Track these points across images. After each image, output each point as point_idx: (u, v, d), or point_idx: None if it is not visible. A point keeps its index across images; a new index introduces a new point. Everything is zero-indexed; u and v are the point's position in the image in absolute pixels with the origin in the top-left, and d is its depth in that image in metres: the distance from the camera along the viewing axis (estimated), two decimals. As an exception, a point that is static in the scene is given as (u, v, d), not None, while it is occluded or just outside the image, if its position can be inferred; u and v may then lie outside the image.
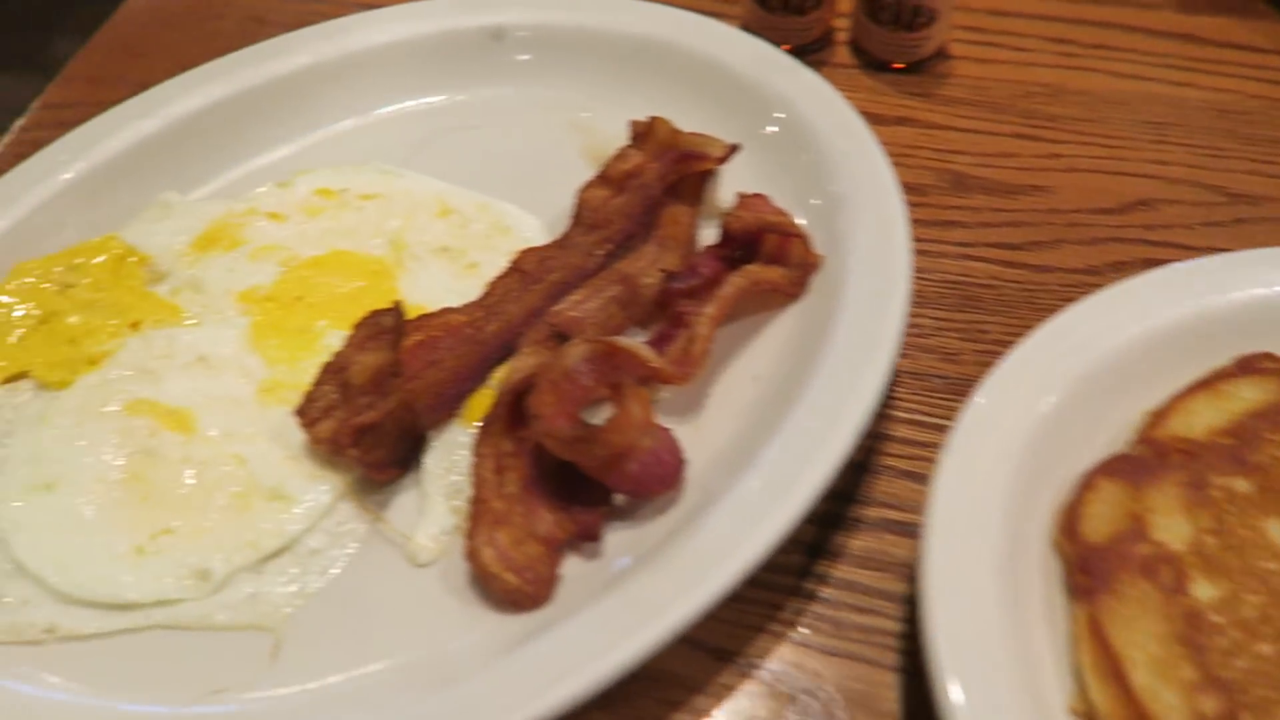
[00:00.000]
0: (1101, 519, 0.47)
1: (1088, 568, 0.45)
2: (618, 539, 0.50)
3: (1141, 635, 0.43)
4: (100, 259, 0.62)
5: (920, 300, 0.64)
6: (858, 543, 0.53)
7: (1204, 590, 0.44)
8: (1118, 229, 0.68)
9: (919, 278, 0.65)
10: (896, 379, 0.60)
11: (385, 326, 0.52)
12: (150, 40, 0.88)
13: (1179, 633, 0.43)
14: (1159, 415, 0.51)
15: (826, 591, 0.51)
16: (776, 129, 0.67)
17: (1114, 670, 0.42)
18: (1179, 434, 0.50)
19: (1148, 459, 0.49)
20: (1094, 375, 0.52)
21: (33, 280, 0.61)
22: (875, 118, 0.76)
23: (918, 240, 0.66)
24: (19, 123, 0.81)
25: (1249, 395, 0.51)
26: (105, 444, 0.54)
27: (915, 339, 0.62)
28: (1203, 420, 0.50)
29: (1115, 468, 0.49)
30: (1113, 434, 0.51)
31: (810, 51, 0.82)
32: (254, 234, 0.64)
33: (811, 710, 0.47)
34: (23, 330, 0.60)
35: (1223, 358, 0.53)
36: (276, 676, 0.46)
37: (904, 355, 0.61)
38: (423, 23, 0.75)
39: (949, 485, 0.47)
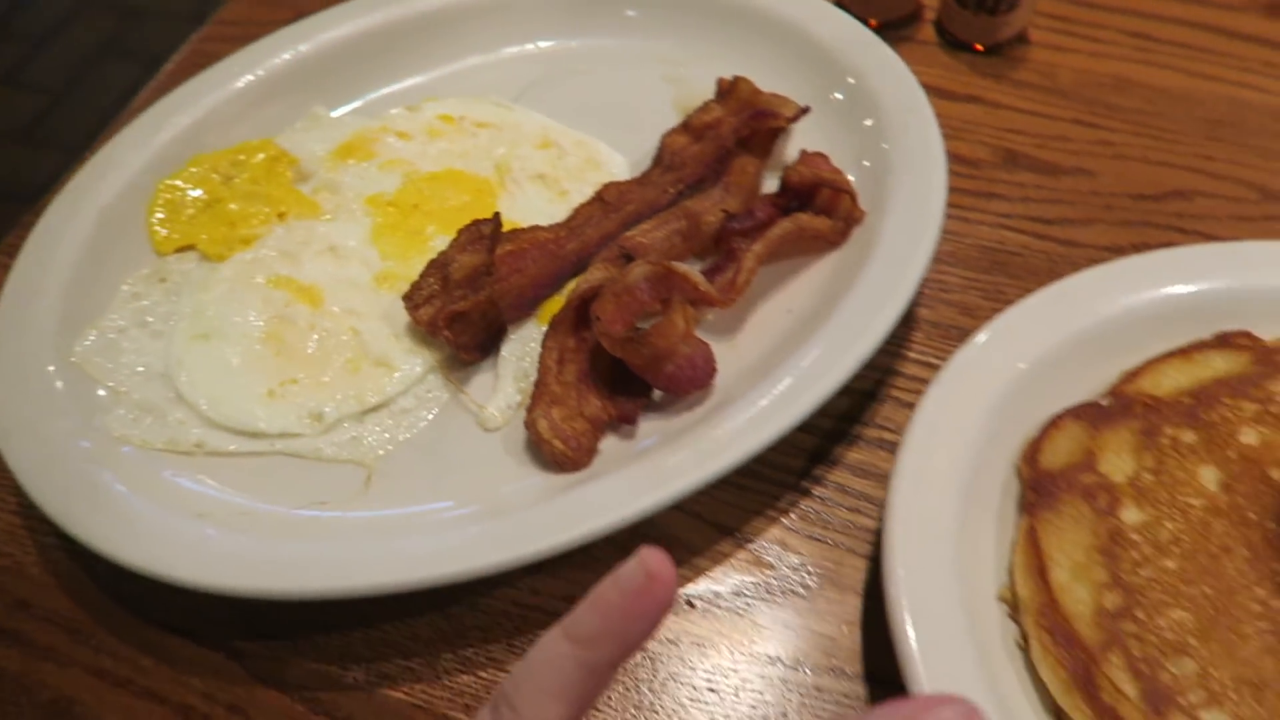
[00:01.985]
0: (1059, 451, 0.55)
1: (1037, 487, 0.53)
2: (650, 425, 0.60)
3: (1069, 544, 0.51)
4: (259, 157, 0.75)
5: (952, 260, 0.72)
6: (854, 455, 0.62)
7: (1131, 515, 0.52)
8: (1150, 214, 0.74)
9: (955, 239, 0.73)
10: (915, 325, 0.68)
11: (484, 234, 0.63)
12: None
13: (1101, 545, 0.51)
14: (1133, 374, 0.58)
15: (819, 490, 0.60)
16: (845, 96, 0.75)
17: (1039, 568, 0.50)
18: (1146, 390, 0.57)
19: (1113, 408, 0.56)
20: (1085, 334, 0.59)
21: (204, 170, 0.74)
22: (946, 93, 0.83)
23: (961, 207, 0.74)
24: (197, 33, 0.95)
25: (1219, 365, 0.58)
26: (251, 308, 0.66)
27: (939, 293, 0.70)
28: (1171, 381, 0.57)
29: (1082, 412, 0.56)
30: (1092, 387, 0.59)
31: (899, 27, 0.89)
32: (384, 149, 0.75)
33: (787, 578, 0.56)
34: (193, 211, 0.72)
35: (1208, 334, 0.60)
36: (367, 501, 0.58)
37: (927, 306, 0.69)
38: (546, -24, 0.85)
39: (931, 408, 0.55)
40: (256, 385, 0.63)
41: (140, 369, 0.64)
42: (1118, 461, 0.54)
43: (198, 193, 0.73)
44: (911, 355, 0.66)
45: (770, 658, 0.54)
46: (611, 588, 0.33)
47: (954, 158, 0.78)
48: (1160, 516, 0.51)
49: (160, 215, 0.72)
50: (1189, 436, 0.54)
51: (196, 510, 0.56)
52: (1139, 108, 0.81)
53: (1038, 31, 0.88)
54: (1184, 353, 0.58)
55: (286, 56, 0.80)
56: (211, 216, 0.72)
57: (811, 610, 0.56)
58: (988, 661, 0.49)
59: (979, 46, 0.87)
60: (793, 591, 0.57)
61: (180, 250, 0.71)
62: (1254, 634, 0.48)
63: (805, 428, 0.61)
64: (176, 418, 0.62)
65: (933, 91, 0.81)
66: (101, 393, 0.63)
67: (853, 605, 0.56)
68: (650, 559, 0.32)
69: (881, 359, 0.65)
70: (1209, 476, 0.53)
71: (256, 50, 0.81)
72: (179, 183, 0.74)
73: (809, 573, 0.57)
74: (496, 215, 0.64)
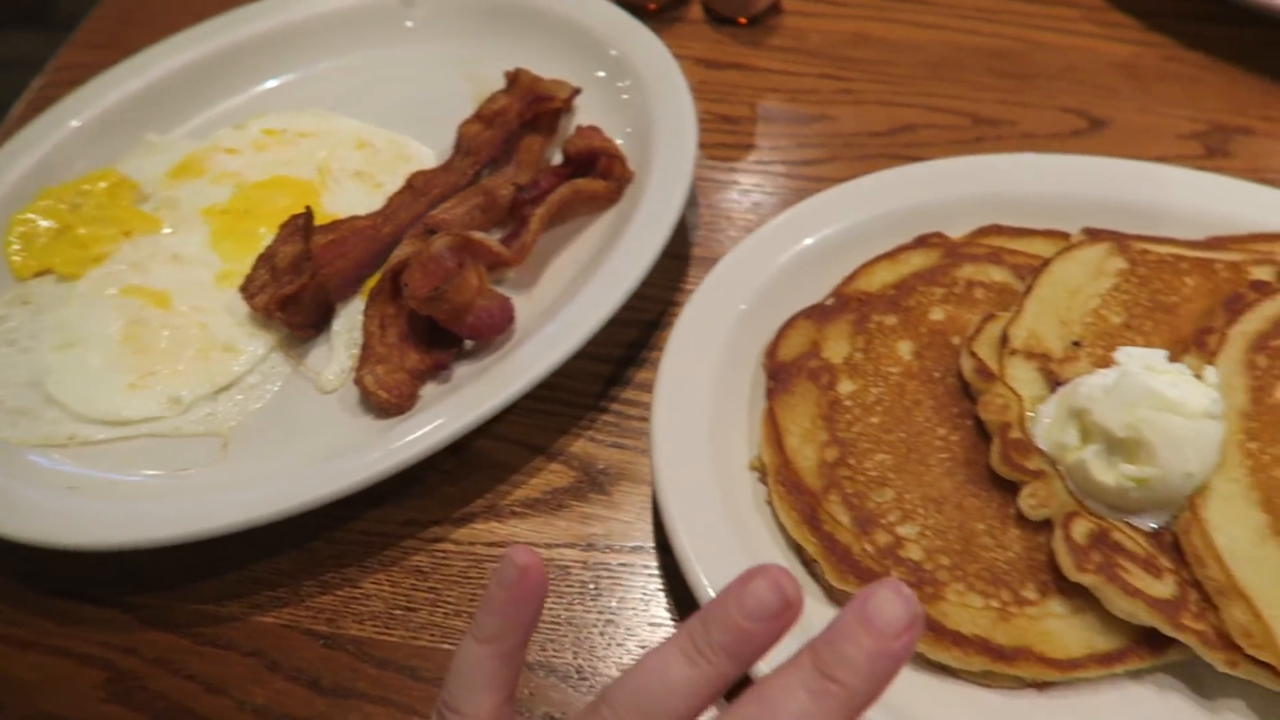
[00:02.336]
0: (792, 346, 0.67)
1: (775, 376, 0.66)
2: (465, 369, 0.71)
3: (799, 416, 0.63)
4: (102, 185, 0.83)
5: (717, 202, 0.84)
6: (642, 375, 0.73)
7: (845, 387, 0.64)
8: (884, 147, 0.87)
9: (719, 185, 0.85)
10: (690, 261, 0.80)
11: (299, 226, 0.73)
12: (142, 10, 1.08)
13: (823, 413, 0.63)
14: (851, 277, 0.71)
15: (615, 407, 0.72)
16: (611, 73, 0.86)
17: (777, 438, 0.63)
18: (860, 288, 0.70)
19: (834, 306, 0.69)
20: (811, 250, 0.72)
21: (52, 202, 0.82)
22: (713, 63, 0.96)
23: (725, 160, 0.87)
24: (37, 82, 1.02)
25: (916, 261, 0.71)
26: (107, 316, 0.75)
27: (710, 233, 0.82)
28: (879, 279, 0.70)
29: (810, 312, 0.69)
30: (821, 292, 0.71)
31: (673, 8, 1.01)
32: (215, 165, 0.84)
33: (593, 480, 0.68)
34: (46, 239, 0.80)
35: (910, 238, 0.73)
36: (225, 463, 0.68)
37: (700, 245, 0.81)
38: (349, -2, 0.95)
39: (688, 318, 0.67)
40: (119, 380, 0.71)
41: (13, 381, 0.73)
42: (837, 347, 0.66)
43: (49, 223, 0.81)
44: (687, 287, 0.78)
45: (583, 544, 0.66)
46: (497, 589, 0.41)
47: (720, 118, 0.91)
48: (868, 385, 0.64)
49: (16, 246, 0.80)
50: (891, 320, 0.67)
51: (68, 485, 0.65)
52: (874, 58, 0.95)
53: (790, 2, 1.00)
54: (890, 255, 0.71)
55: (117, 93, 0.88)
56: (64, 241, 0.80)
57: (612, 503, 0.67)
58: (739, 518, 0.61)
59: (742, 20, 0.99)
60: (598, 489, 0.68)
61: (39, 274, 0.79)
62: (936, 464, 0.61)
63: (600, 357, 0.73)
64: (50, 417, 0.71)
65: (701, 62, 0.94)
66: (-20, 406, 0.71)
67: (645, 494, 0.68)
68: (517, 555, 0.41)
69: (661, 292, 0.77)
70: (905, 349, 0.66)
71: (90, 90, 0.89)
72: (31, 215, 0.82)
73: (609, 474, 0.69)
74: (308, 209, 0.74)
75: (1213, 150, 0.84)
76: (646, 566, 0.65)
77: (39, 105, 0.92)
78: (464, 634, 0.44)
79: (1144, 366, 0.55)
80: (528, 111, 0.83)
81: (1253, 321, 0.61)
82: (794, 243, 0.71)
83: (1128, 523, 0.57)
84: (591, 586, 0.64)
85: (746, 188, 0.85)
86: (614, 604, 0.63)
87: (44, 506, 0.63)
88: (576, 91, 0.84)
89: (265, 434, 0.69)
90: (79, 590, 0.65)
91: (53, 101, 0.89)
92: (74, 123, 0.87)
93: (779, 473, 0.61)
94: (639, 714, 0.37)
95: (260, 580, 0.65)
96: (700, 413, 0.63)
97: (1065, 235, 0.71)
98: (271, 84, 0.92)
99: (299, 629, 0.63)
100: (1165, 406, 0.54)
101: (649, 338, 0.75)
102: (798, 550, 0.60)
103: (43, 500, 0.63)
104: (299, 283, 0.71)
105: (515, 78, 0.85)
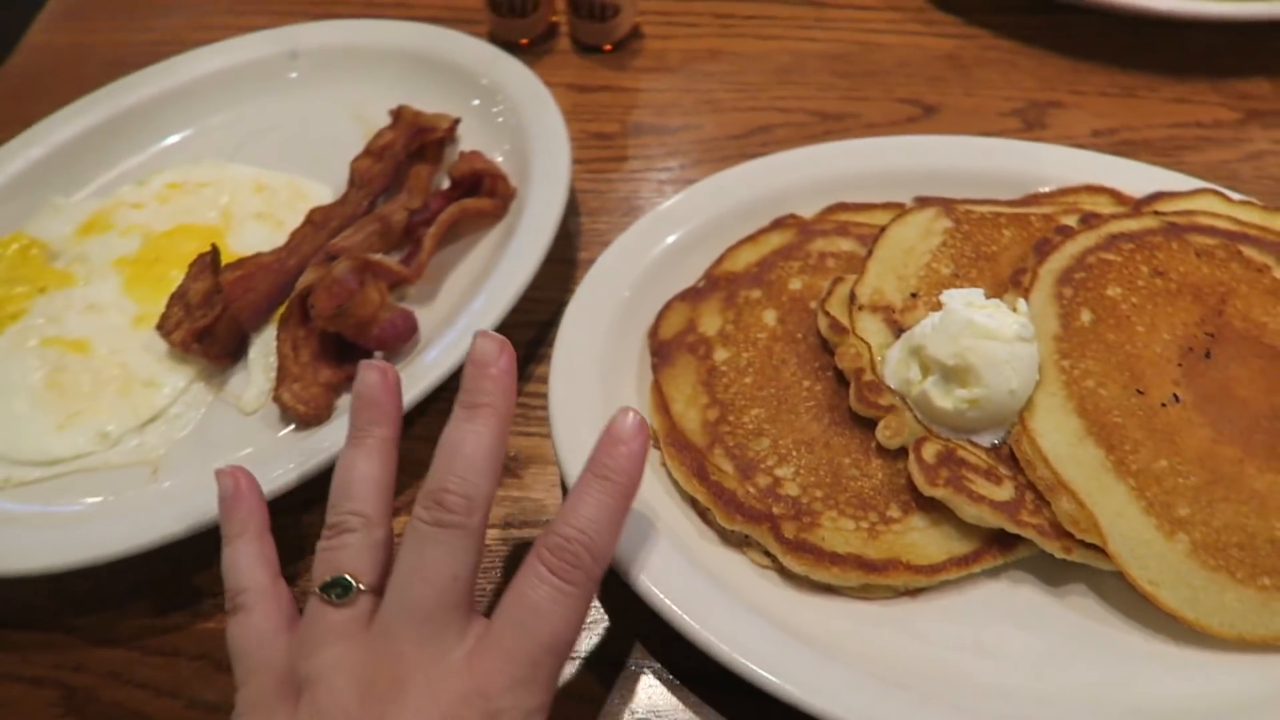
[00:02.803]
0: (670, 325, 0.75)
1: (658, 353, 0.73)
2: (375, 380, 0.77)
3: (682, 384, 0.71)
4: (13, 248, 0.87)
5: (600, 211, 0.91)
6: (541, 369, 0.80)
7: (720, 355, 0.72)
8: (743, 148, 0.96)
9: (600, 196, 0.92)
10: (577, 265, 0.87)
11: (207, 263, 0.78)
12: (33, 87, 1.11)
13: (702, 380, 0.71)
14: (719, 260, 0.79)
15: (522, 400, 0.78)
16: (488, 100, 0.94)
17: (664, 406, 0.70)
18: (727, 269, 0.78)
19: (705, 287, 0.77)
20: (685, 237, 0.80)
21: (-36, 268, 0.86)
22: (584, 87, 1.04)
23: (600, 172, 0.94)
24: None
25: (775, 241, 0.79)
26: (29, 366, 0.79)
27: (594, 239, 0.89)
28: (743, 259, 0.78)
29: (685, 295, 0.76)
30: (694, 276, 0.79)
31: (541, 42, 1.09)
32: (121, 219, 0.89)
33: (506, 466, 0.74)
34: (-39, 302, 0.84)
35: (766, 222, 0.81)
36: (155, 487, 0.72)
37: (585, 249, 0.88)
38: (235, 54, 1.01)
39: (574, 310, 0.74)
40: (47, 422, 0.76)
41: (-57, 436, 0.76)
42: (710, 322, 0.74)
43: (-38, 287, 0.85)
44: (575, 289, 0.85)
45: (501, 524, 0.72)
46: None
47: (594, 135, 0.98)
48: (739, 351, 0.72)
49: (-69, 312, 0.84)
50: (756, 294, 0.75)
51: (3, 521, 0.69)
52: (728, 70, 1.04)
53: (649, 26, 1.09)
54: (751, 238, 0.79)
55: (21, 161, 0.93)
56: (-22, 303, 0.84)
57: (524, 484, 0.74)
58: (637, 477, 0.67)
59: (607, 47, 1.07)
60: (509, 474, 0.74)
61: (-43, 336, 0.83)
62: (805, 411, 0.68)
63: (499, 357, 0.79)
64: (-18, 465, 0.75)
65: (573, 88, 1.02)
66: (-88, 462, 0.75)
67: (553, 473, 0.74)
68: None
69: (552, 294, 0.84)
70: (770, 317, 0.74)
71: (-7, 160, 0.93)
72: (-57, 282, 0.85)
73: (519, 459, 0.75)
74: (213, 246, 0.79)
75: (1030, 124, 0.95)
76: (560, 538, 0.71)
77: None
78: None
79: (965, 304, 0.64)
80: (413, 143, 0.90)
81: (1058, 260, 0.70)
82: (666, 235, 0.79)
83: (970, 441, 0.65)
84: (512, 560, 0.70)
85: (623, 194, 0.92)
86: (532, 571, 0.69)
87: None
88: (456, 121, 0.91)
89: (193, 457, 0.74)
90: (23, 619, 0.69)
91: (-43, 175, 0.93)
92: (-22, 193, 0.91)
93: (668, 435, 0.68)
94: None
95: (200, 589, 0.70)
96: (593, 392, 0.70)
97: (902, 206, 0.80)
98: (170, 140, 0.97)
99: (242, 630, 0.68)
100: (984, 334, 0.62)
101: (545, 335, 0.82)
102: (692, 502, 0.67)
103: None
104: (212, 315, 0.76)
105: (399, 114, 0.92)
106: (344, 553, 0.54)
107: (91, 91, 0.98)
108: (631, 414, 0.56)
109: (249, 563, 0.57)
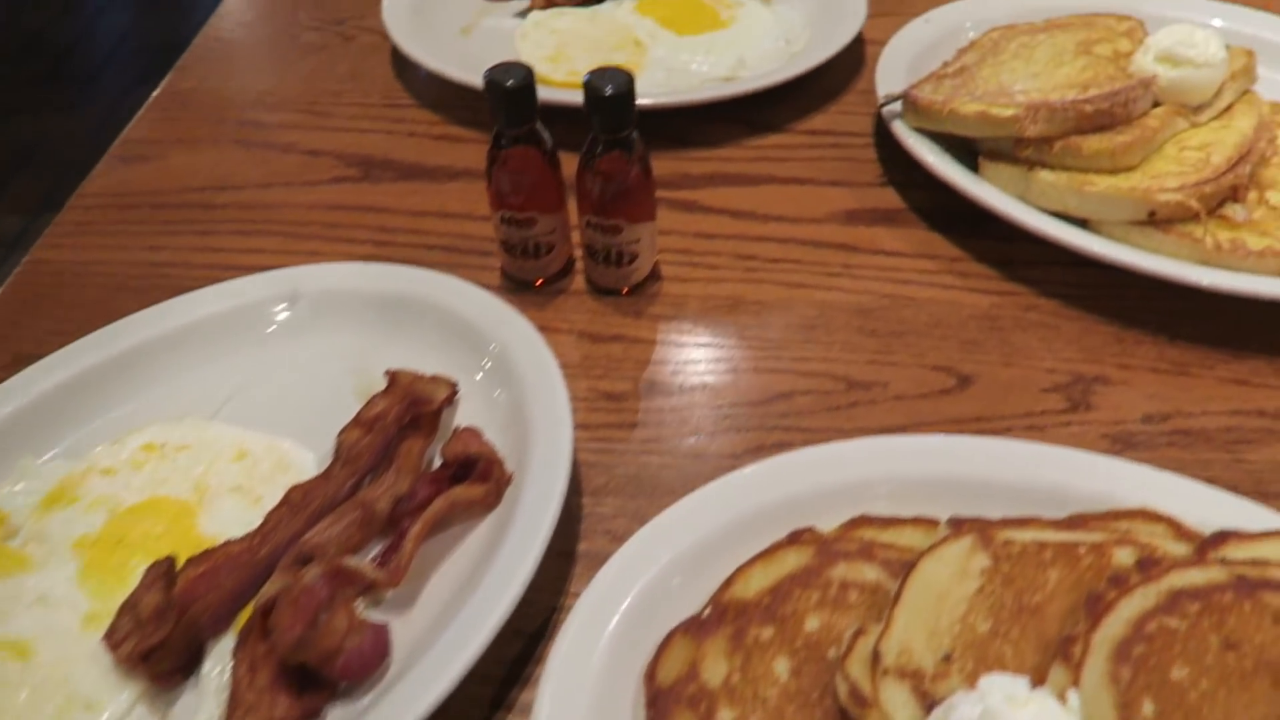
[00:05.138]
0: (670, 667, 0.66)
1: (653, 704, 0.64)
2: (339, 714, 0.68)
3: (678, 752, 0.62)
4: (-29, 521, 0.81)
5: (604, 490, 0.84)
6: (526, 697, 0.71)
7: (724, 715, 0.63)
8: (761, 418, 0.89)
9: (607, 471, 0.85)
10: (574, 559, 0.79)
11: (162, 573, 0.71)
12: (31, 311, 1.07)
13: (702, 748, 0.62)
14: (728, 581, 0.70)
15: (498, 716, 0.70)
16: (492, 365, 0.88)
17: (657, 779, 0.61)
18: (737, 595, 0.69)
19: (710, 618, 0.68)
20: (692, 552, 0.72)
21: (-93, 545, 0.80)
22: (595, 336, 0.98)
23: (608, 440, 0.87)
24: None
25: (791, 561, 0.71)
26: (-37, 675, 0.72)
27: (595, 525, 0.81)
28: (755, 583, 0.70)
29: (688, 626, 0.68)
30: (704, 597, 0.71)
31: (556, 280, 1.03)
32: (89, 489, 0.83)
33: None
34: (-103, 588, 0.78)
35: (783, 535, 0.73)
36: (84, 842, 0.64)
37: (586, 539, 0.81)
38: (233, 298, 0.96)
39: (564, 645, 0.66)
40: (-29, 751, 0.68)
41: None
42: (714, 667, 0.65)
43: (-91, 571, 0.78)
44: (573, 589, 0.77)
45: None
46: None
47: (602, 394, 0.92)
48: (746, 712, 0.63)
49: None
50: (767, 633, 0.67)
51: None
52: (748, 322, 0.97)
53: (668, 266, 1.04)
54: (765, 554, 0.71)
55: (-4, 417, 0.87)
56: (-76, 590, 0.77)
57: None
58: None
59: (625, 290, 1.02)
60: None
61: (-106, 625, 0.76)
62: (820, 797, 0.59)
63: (480, 679, 0.71)
64: (-102, 800, 0.67)
65: (583, 336, 0.96)
66: None
67: (531, 836, 0.65)
68: None
69: (546, 597, 0.76)
70: (782, 667, 0.65)
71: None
72: (-111, 563, 0.79)
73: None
74: (170, 558, 0.73)
75: (1075, 404, 0.87)
76: None
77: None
78: None
79: (1006, 698, 0.55)
80: (405, 415, 0.84)
81: (1114, 626, 0.61)
82: (670, 548, 0.71)
83: None
84: None
85: (632, 471, 0.85)
86: None
87: None
88: (454, 392, 0.85)
89: (128, 803, 0.66)
90: None
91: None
92: (-53, 453, 0.85)
93: (661, 818, 0.59)
94: None
95: None
96: (578, 754, 0.62)
97: (933, 522, 0.72)
98: (155, 392, 0.92)
99: None
100: (1028, 745, 0.53)
101: (534, 650, 0.74)
102: None
103: None
104: (162, 633, 0.69)
105: (394, 380, 0.86)
106: None
107: (86, 320, 0.94)
108: None
109: None
